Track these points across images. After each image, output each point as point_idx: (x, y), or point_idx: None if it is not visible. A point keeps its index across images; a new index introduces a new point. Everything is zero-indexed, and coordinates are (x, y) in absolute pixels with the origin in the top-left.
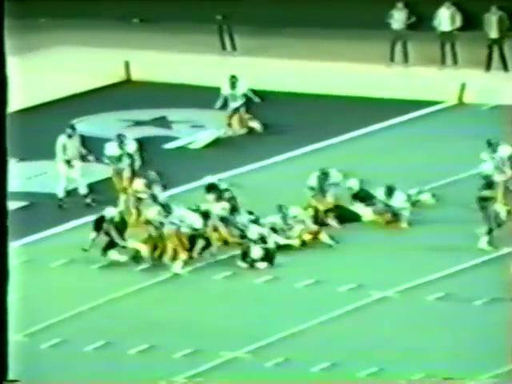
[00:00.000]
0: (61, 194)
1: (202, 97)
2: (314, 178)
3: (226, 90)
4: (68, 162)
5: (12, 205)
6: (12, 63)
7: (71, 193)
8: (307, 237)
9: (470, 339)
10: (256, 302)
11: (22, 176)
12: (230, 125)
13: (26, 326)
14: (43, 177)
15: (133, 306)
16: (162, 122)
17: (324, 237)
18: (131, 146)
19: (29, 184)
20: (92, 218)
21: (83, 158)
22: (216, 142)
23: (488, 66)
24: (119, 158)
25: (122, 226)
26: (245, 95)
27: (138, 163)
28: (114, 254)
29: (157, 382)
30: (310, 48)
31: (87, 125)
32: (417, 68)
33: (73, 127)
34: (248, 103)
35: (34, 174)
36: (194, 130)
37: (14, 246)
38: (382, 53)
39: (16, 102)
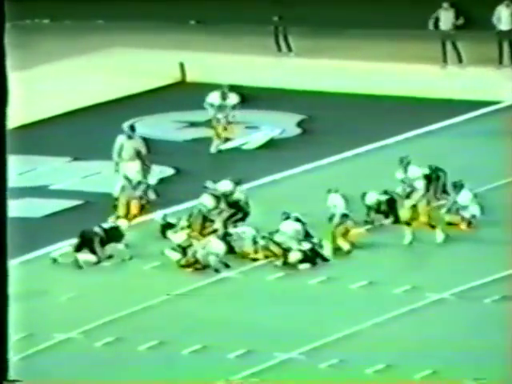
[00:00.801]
0: (117, 193)
1: (257, 98)
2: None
3: (215, 100)
4: (116, 165)
5: (66, 203)
6: (72, 64)
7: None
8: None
9: None
10: (310, 302)
11: (76, 175)
12: (218, 135)
13: (81, 324)
14: (98, 176)
15: (186, 306)
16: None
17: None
18: (233, 99)
19: (83, 183)
20: (148, 216)
21: (142, 160)
22: (270, 143)
23: None
24: (219, 107)
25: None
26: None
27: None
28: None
29: (214, 382)
30: (363, 49)
31: (142, 125)
32: (471, 68)
33: (132, 128)
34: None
35: (89, 173)
36: (248, 132)
37: (67, 245)
38: (435, 54)
39: (72, 102)
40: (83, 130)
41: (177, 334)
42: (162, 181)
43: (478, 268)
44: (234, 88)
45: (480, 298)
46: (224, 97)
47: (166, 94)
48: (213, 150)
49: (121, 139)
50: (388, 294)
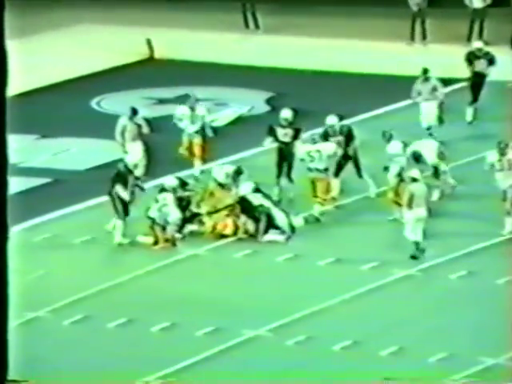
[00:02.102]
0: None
1: (225, 75)
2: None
3: (184, 111)
4: (123, 146)
5: (34, 181)
6: (38, 40)
7: (94, 170)
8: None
9: (492, 318)
10: (277, 280)
11: (44, 153)
12: (188, 152)
13: (48, 303)
14: (67, 153)
15: (155, 283)
16: (185, 99)
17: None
18: (201, 110)
19: (52, 161)
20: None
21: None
22: (238, 120)
23: None
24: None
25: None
26: (202, 124)
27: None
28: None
29: (134, 381)
30: (332, 26)
31: (110, 102)
32: (437, 45)
33: (134, 110)
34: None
35: (58, 150)
36: (217, 108)
37: (36, 223)
38: (403, 31)
39: (39, 79)
40: (51, 107)
41: (145, 311)
42: None
43: (443, 244)
44: (206, 64)
45: (446, 274)
46: (193, 108)
47: (134, 70)
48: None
49: (123, 121)
50: (355, 270)
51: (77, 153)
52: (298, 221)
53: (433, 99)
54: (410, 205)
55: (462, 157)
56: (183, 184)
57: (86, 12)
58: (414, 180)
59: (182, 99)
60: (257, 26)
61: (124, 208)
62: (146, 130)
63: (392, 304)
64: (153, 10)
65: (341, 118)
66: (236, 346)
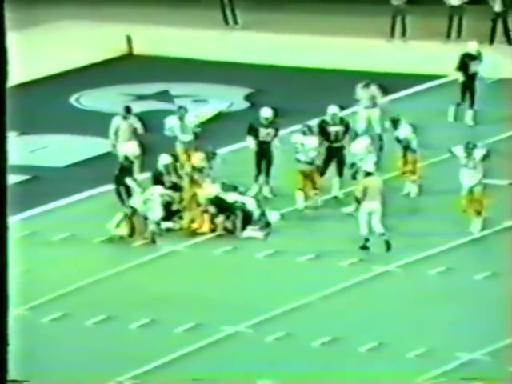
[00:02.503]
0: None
1: (204, 71)
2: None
3: (173, 122)
4: (114, 146)
5: (13, 178)
6: (14, 37)
7: (73, 166)
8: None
9: (471, 314)
10: (257, 276)
11: (23, 150)
12: (178, 161)
13: (27, 300)
14: (45, 150)
15: (134, 280)
16: (164, 96)
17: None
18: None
19: (31, 157)
20: (91, 192)
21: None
22: (218, 117)
23: (492, 40)
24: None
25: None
26: (194, 132)
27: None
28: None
29: (113, 379)
30: (311, 23)
31: (89, 99)
32: (417, 42)
33: (128, 109)
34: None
35: (37, 147)
36: (197, 105)
37: (16, 220)
38: (383, 27)
39: (18, 76)
40: (30, 103)
41: (125, 308)
42: (109, 154)
43: (422, 240)
44: (185, 61)
45: (425, 270)
46: (182, 118)
47: (113, 66)
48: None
49: (117, 120)
50: (335, 266)
51: (56, 149)
52: (273, 216)
53: (372, 106)
54: (363, 198)
55: (439, 155)
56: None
57: (65, 8)
58: (368, 174)
59: (160, 96)
60: (235, 23)
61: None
62: (140, 130)
63: (371, 300)
64: (132, 6)
65: (342, 109)
66: (215, 342)
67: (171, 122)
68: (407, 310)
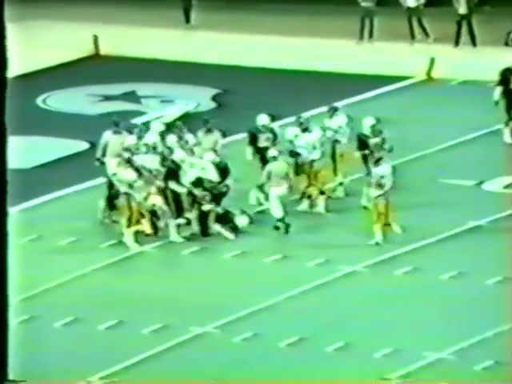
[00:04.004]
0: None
1: (171, 72)
2: None
3: (172, 140)
4: (100, 161)
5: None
6: None
7: (40, 168)
8: None
9: (437, 313)
10: (224, 276)
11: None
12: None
13: None
14: (11, 152)
15: (101, 281)
16: (131, 96)
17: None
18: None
19: None
20: (58, 194)
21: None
22: (185, 117)
23: (457, 42)
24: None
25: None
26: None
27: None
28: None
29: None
30: (277, 23)
31: (56, 100)
32: (384, 44)
33: (117, 123)
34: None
35: None
36: (163, 105)
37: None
38: (352, 29)
39: None
40: None
41: (92, 309)
42: (76, 155)
43: (388, 240)
44: (151, 61)
45: (391, 271)
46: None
47: (80, 67)
48: None
49: (107, 135)
50: (301, 267)
51: (22, 151)
52: (242, 221)
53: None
54: (267, 182)
55: (405, 154)
56: None
57: (31, 8)
58: (274, 158)
59: (127, 96)
60: (187, 22)
61: (177, 206)
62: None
63: (338, 300)
64: (98, 6)
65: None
66: (183, 342)
67: (171, 140)
68: (373, 310)
